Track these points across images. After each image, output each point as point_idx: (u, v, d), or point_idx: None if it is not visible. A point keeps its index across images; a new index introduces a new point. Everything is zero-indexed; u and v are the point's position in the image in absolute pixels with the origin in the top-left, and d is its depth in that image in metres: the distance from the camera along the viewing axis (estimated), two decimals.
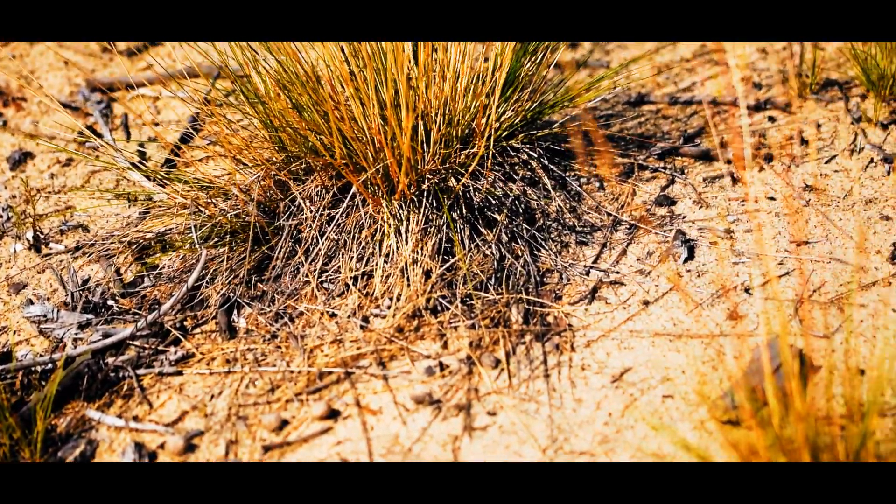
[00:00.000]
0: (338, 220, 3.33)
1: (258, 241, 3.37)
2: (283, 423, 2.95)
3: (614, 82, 3.93)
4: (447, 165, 3.35)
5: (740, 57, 4.24)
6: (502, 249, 3.33)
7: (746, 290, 3.20)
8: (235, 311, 3.28)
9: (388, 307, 3.21)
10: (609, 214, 3.53)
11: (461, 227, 3.34)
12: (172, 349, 3.19)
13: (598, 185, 3.64)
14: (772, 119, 3.89)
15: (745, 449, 2.53)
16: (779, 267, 3.28)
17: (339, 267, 3.31)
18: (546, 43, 3.58)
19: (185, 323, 3.27)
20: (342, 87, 3.33)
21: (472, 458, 2.81)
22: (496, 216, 3.38)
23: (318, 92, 3.27)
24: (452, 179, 3.36)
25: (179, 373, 3.14)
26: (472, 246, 3.33)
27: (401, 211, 3.30)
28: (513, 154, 3.57)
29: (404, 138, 3.12)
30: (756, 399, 2.61)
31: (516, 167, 3.55)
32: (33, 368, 3.12)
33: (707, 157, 3.74)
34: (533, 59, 3.58)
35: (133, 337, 3.22)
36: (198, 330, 3.26)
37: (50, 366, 3.13)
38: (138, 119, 4.16)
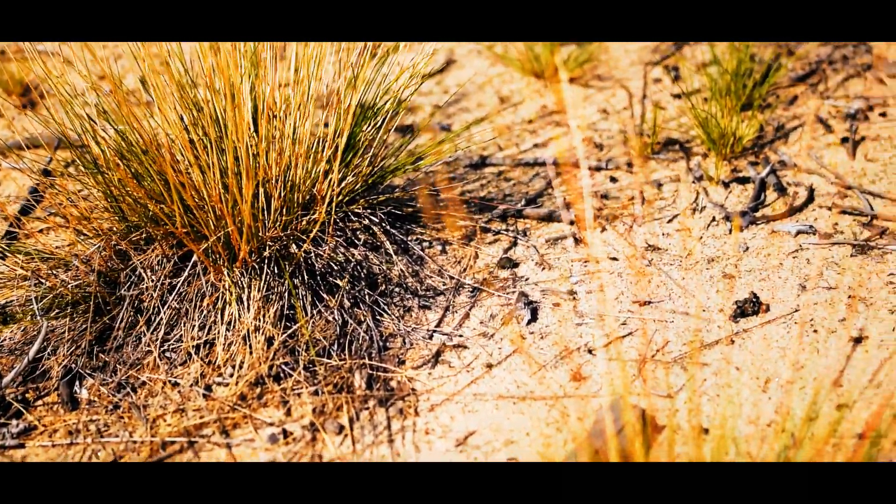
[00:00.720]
0: (179, 288, 3.45)
1: (100, 311, 3.47)
2: None
3: (455, 145, 4.12)
4: (289, 232, 3.50)
5: (582, 118, 4.48)
6: (345, 315, 3.49)
7: (590, 351, 3.38)
8: (77, 383, 3.37)
9: (231, 375, 3.33)
10: (452, 278, 3.71)
11: (303, 293, 3.48)
12: (14, 422, 3.27)
13: (440, 248, 3.83)
14: (613, 179, 4.13)
15: None
16: (622, 327, 3.48)
17: (181, 336, 3.43)
18: (386, 108, 3.76)
19: (26, 395, 3.34)
20: (182, 155, 3.46)
21: None
22: (338, 282, 3.54)
23: (158, 160, 3.39)
24: (294, 246, 3.51)
25: (21, 445, 3.21)
26: (315, 312, 3.48)
27: (242, 278, 3.43)
28: (354, 219, 3.74)
29: (245, 206, 3.26)
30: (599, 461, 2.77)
31: (358, 232, 3.72)
32: None
33: (549, 218, 3.95)
34: (373, 124, 3.76)
35: None
36: (40, 402, 3.34)
37: None
38: None
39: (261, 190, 3.47)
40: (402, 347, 3.46)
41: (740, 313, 3.47)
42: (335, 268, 3.58)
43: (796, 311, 3.48)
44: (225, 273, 3.42)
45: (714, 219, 3.91)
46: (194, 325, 3.42)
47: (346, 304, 3.51)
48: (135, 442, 3.17)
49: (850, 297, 3.50)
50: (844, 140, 4.26)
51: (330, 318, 3.47)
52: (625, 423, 2.72)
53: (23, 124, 4.38)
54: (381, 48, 3.66)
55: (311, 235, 3.49)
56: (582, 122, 4.48)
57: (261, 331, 3.38)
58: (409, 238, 3.81)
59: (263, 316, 3.41)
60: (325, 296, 3.52)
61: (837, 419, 2.73)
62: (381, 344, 3.45)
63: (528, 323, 3.52)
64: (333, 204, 3.58)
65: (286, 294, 3.45)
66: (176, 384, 3.33)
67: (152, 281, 3.46)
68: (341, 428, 3.18)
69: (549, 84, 4.68)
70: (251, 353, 3.36)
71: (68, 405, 3.30)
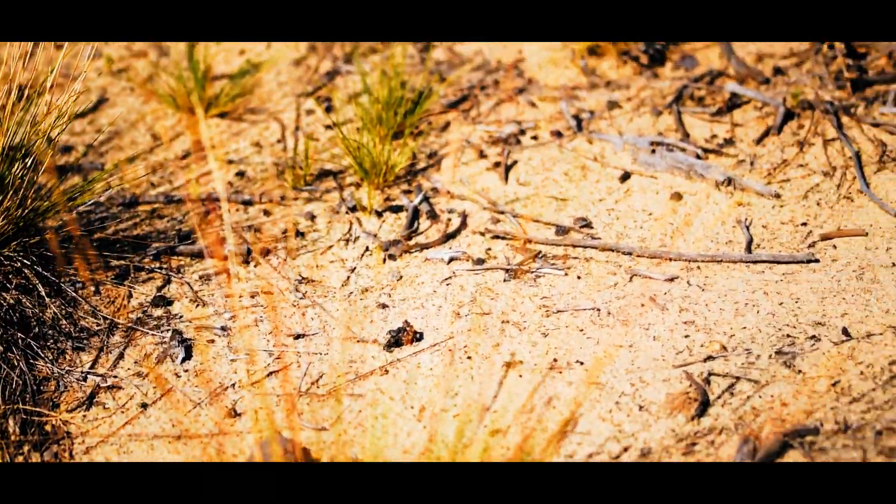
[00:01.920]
0: None
1: None
2: None
3: (108, 183, 4.37)
4: None
5: (236, 152, 4.81)
6: None
7: (243, 387, 3.69)
8: None
9: None
10: (105, 318, 3.96)
11: None
12: None
13: (94, 289, 4.06)
14: (267, 213, 4.47)
15: None
16: (276, 361, 3.79)
17: None
18: (36, 148, 3.99)
19: None
20: None
21: None
22: None
23: None
24: None
25: None
26: None
27: None
28: (6, 263, 3.94)
29: None
30: None
31: (10, 276, 3.94)
32: None
33: (202, 255, 4.24)
34: (24, 164, 3.97)
35: None
36: None
37: None
38: None
39: None
40: (56, 390, 3.70)
41: (395, 343, 3.83)
42: None
43: (450, 338, 3.85)
44: None
45: (368, 248, 4.29)
46: None
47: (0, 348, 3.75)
48: None
49: (503, 321, 3.90)
50: (497, 165, 4.70)
51: None
52: (274, 458, 3.00)
53: None
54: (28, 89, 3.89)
55: None
56: (235, 157, 4.80)
57: None
58: (63, 280, 4.04)
59: None
60: None
61: (490, 445, 3.08)
62: (35, 388, 3.68)
63: (183, 360, 3.81)
64: None
65: None
66: None
67: None
68: None
69: (202, 119, 4.99)
70: None
71: None
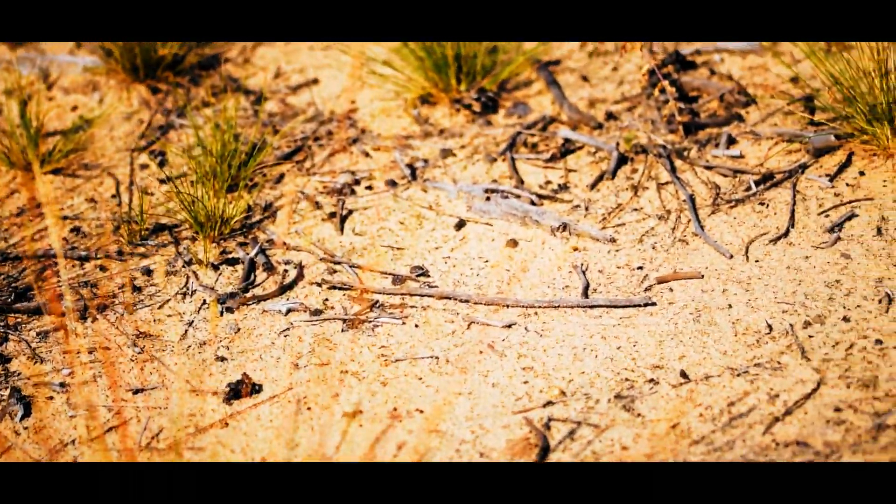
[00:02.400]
0: None
1: None
2: None
3: None
4: None
5: (71, 208, 4.87)
6: None
7: (83, 443, 3.76)
8: None
9: None
10: None
11: None
12: None
13: None
14: (104, 268, 4.54)
15: None
16: (116, 417, 3.88)
17: None
18: None
19: None
20: None
21: None
22: None
23: None
24: None
25: None
26: None
27: None
28: None
29: None
30: None
31: None
32: None
33: (40, 311, 4.33)
34: None
35: None
36: None
37: None
38: None
39: None
40: None
41: (234, 395, 3.94)
42: None
43: (289, 389, 3.97)
44: None
45: (205, 302, 4.39)
46: None
47: None
48: None
49: (342, 371, 4.02)
50: (332, 215, 4.85)
51: None
52: None
53: None
54: None
55: None
56: (71, 213, 4.89)
57: None
58: None
59: None
60: None
61: None
62: None
63: (22, 418, 3.89)
64: None
65: None
66: None
67: None
68: None
69: (38, 176, 5.06)
70: None
71: None
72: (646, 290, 4.36)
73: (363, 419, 3.86)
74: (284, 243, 4.70)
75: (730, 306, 4.22)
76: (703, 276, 4.39)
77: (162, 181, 5.09)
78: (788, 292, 4.24)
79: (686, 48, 5.63)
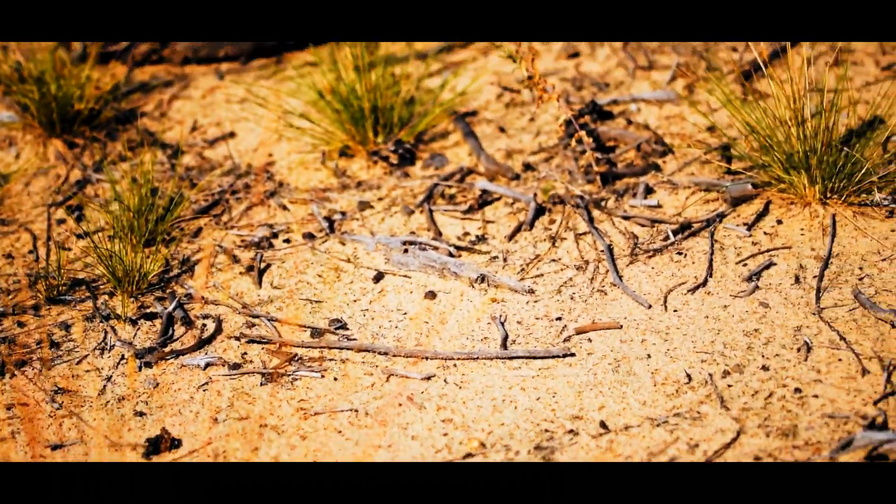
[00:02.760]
0: None
1: None
2: None
3: None
4: None
5: None
6: None
7: None
8: None
9: None
10: None
11: None
12: None
13: None
14: (21, 324, 4.58)
15: None
16: None
17: None
18: None
19: None
20: None
21: None
22: None
23: None
24: None
25: None
26: None
27: None
28: None
29: None
30: None
31: None
32: None
33: None
34: None
35: None
36: None
37: None
38: None
39: None
40: None
41: (153, 450, 3.98)
42: None
43: (209, 443, 4.01)
44: None
45: (123, 357, 4.44)
46: None
47: None
48: None
49: (261, 425, 4.08)
50: (251, 269, 4.91)
51: None
52: None
53: None
54: None
55: None
56: None
57: None
58: None
59: None
60: None
61: None
62: None
63: None
64: None
65: None
66: None
67: None
68: None
69: None
70: None
71: None
72: (565, 340, 4.43)
73: None
74: (203, 297, 4.76)
75: (649, 356, 4.30)
76: (621, 327, 4.47)
77: (79, 236, 5.14)
78: (707, 342, 4.33)
79: (603, 98, 5.76)
